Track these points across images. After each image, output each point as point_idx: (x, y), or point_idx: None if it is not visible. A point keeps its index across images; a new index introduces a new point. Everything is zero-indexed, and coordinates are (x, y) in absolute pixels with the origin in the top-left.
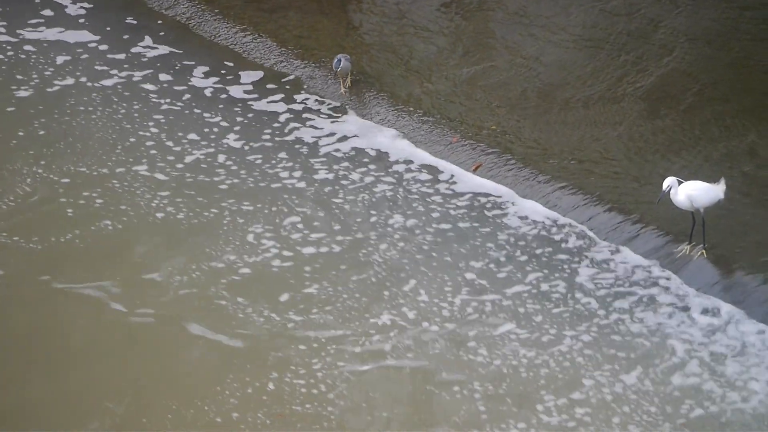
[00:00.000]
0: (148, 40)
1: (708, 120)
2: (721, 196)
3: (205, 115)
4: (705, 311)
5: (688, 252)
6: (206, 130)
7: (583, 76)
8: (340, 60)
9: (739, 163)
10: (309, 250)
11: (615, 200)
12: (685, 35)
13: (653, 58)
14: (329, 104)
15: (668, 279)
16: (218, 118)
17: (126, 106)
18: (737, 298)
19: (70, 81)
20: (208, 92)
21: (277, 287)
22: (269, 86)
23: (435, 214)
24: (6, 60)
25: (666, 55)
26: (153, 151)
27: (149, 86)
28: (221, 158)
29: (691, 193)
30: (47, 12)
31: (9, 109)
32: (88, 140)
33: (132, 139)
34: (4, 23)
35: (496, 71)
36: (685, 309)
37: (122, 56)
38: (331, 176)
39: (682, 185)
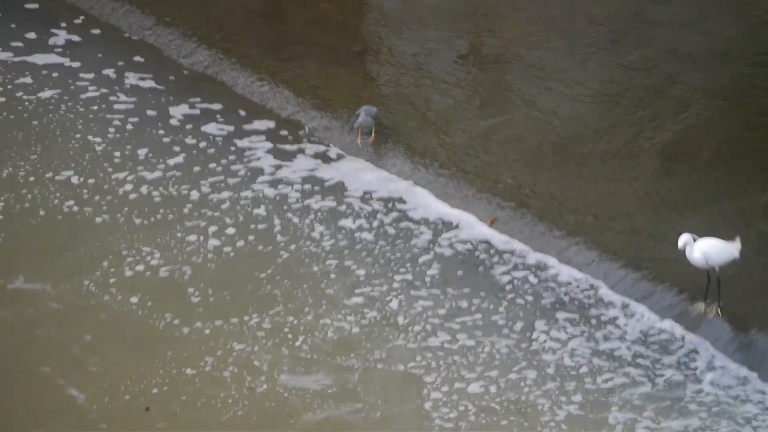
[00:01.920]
0: (162, 87)
1: (724, 177)
2: (736, 254)
3: (177, 141)
4: (719, 371)
5: (703, 310)
6: (174, 148)
7: (599, 131)
8: (359, 114)
9: (755, 222)
10: (234, 259)
11: (631, 256)
12: (702, 91)
13: (670, 113)
14: (336, 152)
15: (683, 338)
16: (193, 141)
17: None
18: (752, 358)
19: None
20: (193, 128)
21: (185, 291)
22: (281, 132)
23: (429, 262)
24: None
25: (683, 111)
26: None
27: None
28: (171, 178)
29: (707, 250)
30: (58, 40)
31: None
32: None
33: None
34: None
35: (513, 124)
36: (700, 368)
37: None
38: (278, 198)
39: (697, 242)
